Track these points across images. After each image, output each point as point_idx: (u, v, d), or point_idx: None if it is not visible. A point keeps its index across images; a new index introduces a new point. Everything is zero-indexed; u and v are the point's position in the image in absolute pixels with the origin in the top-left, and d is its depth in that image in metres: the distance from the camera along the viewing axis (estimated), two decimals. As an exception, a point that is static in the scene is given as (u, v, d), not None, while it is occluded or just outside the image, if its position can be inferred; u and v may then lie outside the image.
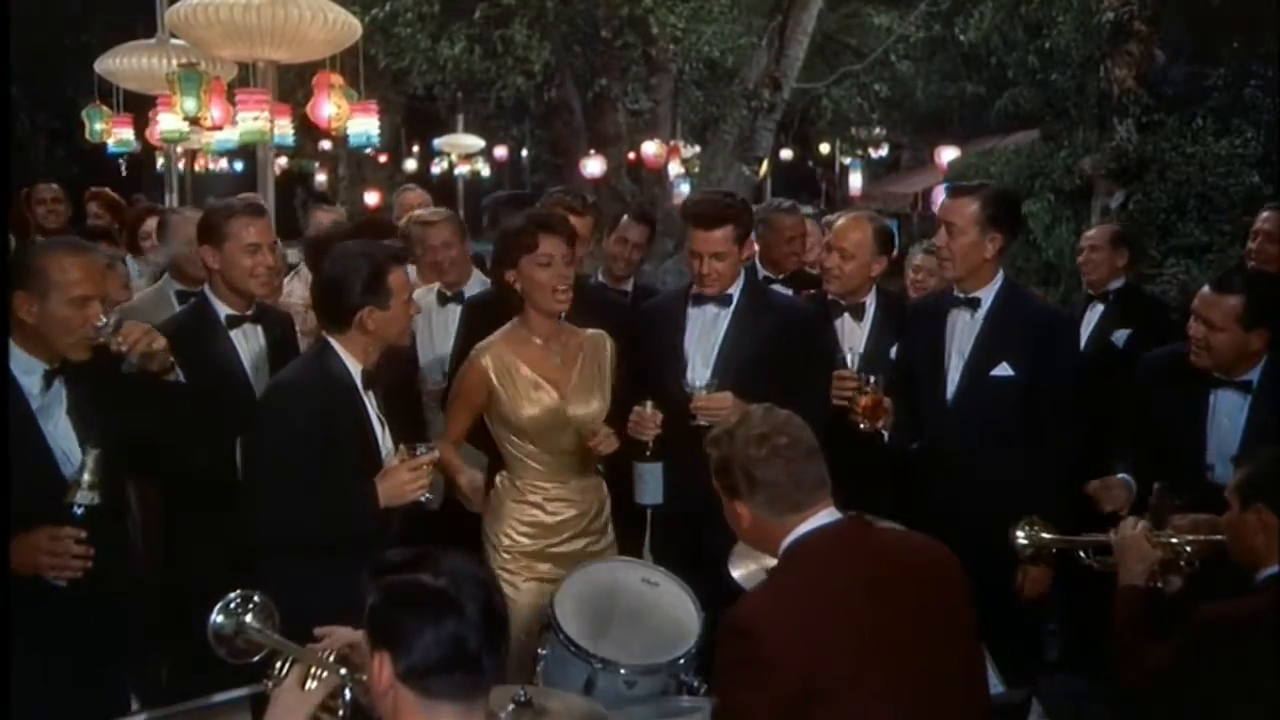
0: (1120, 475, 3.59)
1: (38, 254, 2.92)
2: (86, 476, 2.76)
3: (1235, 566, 2.84)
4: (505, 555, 3.56)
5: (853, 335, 4.13)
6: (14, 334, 2.84)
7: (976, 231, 3.66)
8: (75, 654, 2.88)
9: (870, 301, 4.18)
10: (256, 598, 2.36)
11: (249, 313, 3.63)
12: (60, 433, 2.90)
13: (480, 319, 3.89)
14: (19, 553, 2.69)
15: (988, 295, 3.72)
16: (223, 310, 3.58)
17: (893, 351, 4.06)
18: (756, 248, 4.94)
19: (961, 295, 3.75)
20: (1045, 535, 3.39)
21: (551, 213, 3.81)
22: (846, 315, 4.15)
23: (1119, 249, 5.09)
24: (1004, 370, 3.66)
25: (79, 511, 2.75)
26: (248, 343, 3.62)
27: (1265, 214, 4.88)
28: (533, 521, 3.59)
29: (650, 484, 3.60)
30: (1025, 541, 3.41)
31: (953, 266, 3.73)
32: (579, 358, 3.61)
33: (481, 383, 3.53)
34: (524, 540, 3.57)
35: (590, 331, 3.70)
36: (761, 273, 4.92)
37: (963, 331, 3.74)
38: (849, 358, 3.84)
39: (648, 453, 3.58)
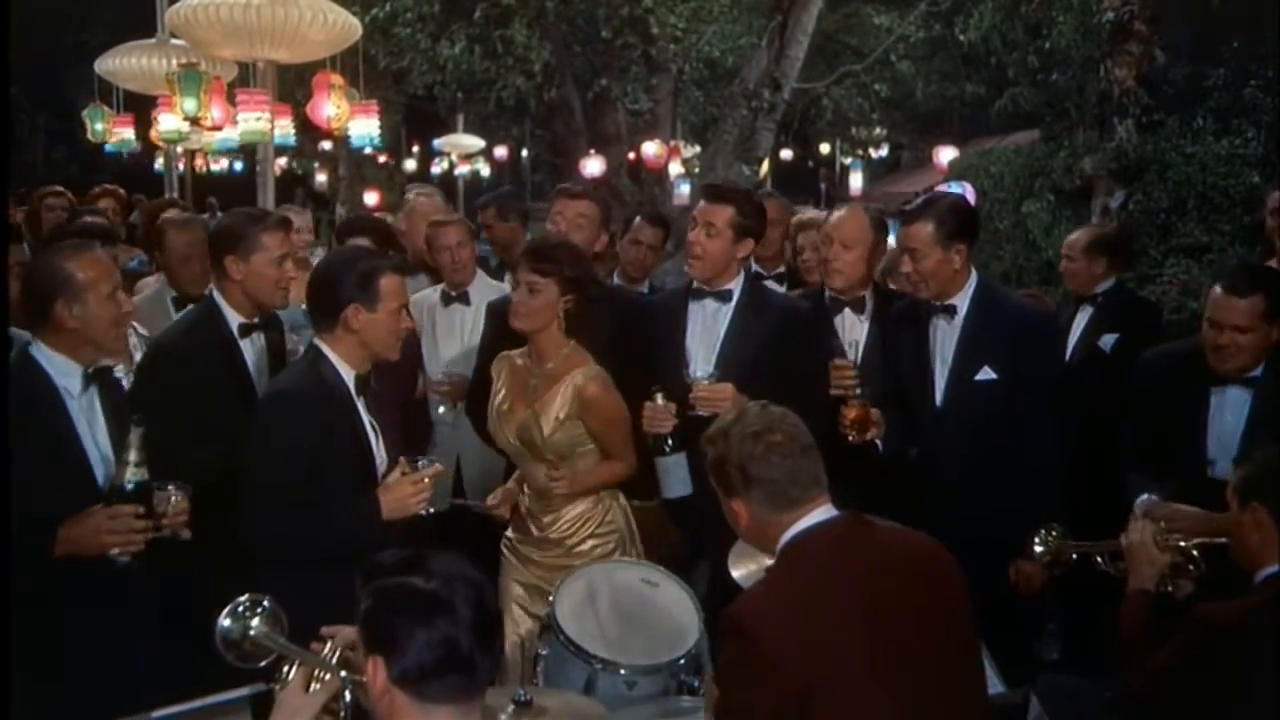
0: (1142, 497, 3.47)
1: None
2: (133, 455, 2.81)
3: (1240, 567, 2.84)
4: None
5: (854, 330, 4.07)
6: (48, 337, 2.91)
7: (939, 250, 3.66)
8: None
9: (870, 296, 4.12)
10: (265, 603, 2.34)
11: (257, 320, 3.57)
12: (99, 434, 2.95)
13: (503, 324, 3.77)
14: (76, 537, 2.77)
15: (963, 301, 3.73)
16: (235, 319, 3.51)
17: None
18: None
19: (938, 304, 3.75)
20: (1062, 542, 3.39)
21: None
22: (847, 310, 4.08)
23: (1096, 257, 5.04)
24: (987, 373, 3.67)
25: (130, 487, 2.80)
26: (253, 349, 3.59)
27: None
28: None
29: (676, 477, 3.55)
30: (1042, 549, 3.41)
31: (926, 288, 3.72)
32: (557, 390, 3.50)
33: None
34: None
35: (582, 371, 3.51)
36: (753, 269, 4.88)
37: (944, 338, 3.74)
38: (852, 350, 3.82)
39: (667, 446, 3.54)
